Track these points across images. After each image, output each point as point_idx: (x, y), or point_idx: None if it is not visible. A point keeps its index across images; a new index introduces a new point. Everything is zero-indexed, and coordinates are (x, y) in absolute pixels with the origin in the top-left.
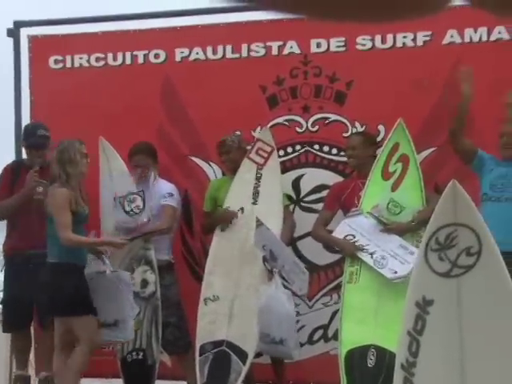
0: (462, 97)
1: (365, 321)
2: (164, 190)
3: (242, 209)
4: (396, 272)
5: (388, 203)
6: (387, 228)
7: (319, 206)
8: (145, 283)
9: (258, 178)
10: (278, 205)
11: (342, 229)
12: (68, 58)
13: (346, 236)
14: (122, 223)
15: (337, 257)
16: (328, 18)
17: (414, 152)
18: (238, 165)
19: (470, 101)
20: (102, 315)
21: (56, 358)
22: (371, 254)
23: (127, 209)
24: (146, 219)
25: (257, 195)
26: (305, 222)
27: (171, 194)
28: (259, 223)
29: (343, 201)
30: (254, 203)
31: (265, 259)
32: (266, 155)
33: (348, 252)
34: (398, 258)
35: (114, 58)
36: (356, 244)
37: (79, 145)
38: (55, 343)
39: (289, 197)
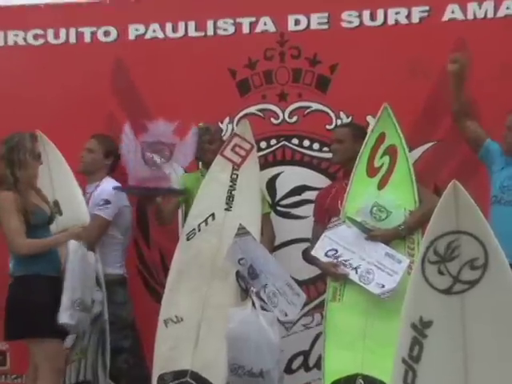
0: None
1: (351, 346)
2: (102, 195)
3: (212, 215)
4: (383, 286)
5: (372, 207)
6: (371, 235)
7: (298, 210)
8: None
9: (234, 180)
10: (256, 213)
11: (323, 243)
12: (0, 34)
13: (328, 251)
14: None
15: (319, 270)
16: None
17: (402, 141)
18: None
19: (463, 76)
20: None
21: None
22: (355, 268)
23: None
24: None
25: (231, 200)
26: (281, 229)
27: (107, 202)
28: (243, 232)
29: (327, 207)
30: (228, 209)
31: (239, 276)
32: (243, 153)
33: (332, 277)
34: (385, 269)
35: (56, 36)
36: (338, 260)
37: (31, 142)
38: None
39: (270, 204)
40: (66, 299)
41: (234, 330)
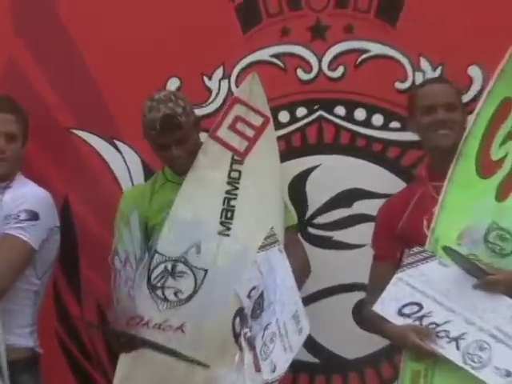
0: None
1: None
2: (23, 203)
3: (197, 245)
4: (510, 373)
5: (488, 231)
6: (486, 281)
7: (346, 234)
8: None
9: (234, 182)
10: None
11: (395, 293)
12: None
13: (404, 307)
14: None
15: (383, 343)
16: None
17: None
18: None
19: None
20: None
21: None
22: (456, 339)
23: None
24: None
25: (229, 217)
26: (316, 267)
27: (33, 217)
28: (271, 241)
29: (401, 230)
30: (224, 233)
31: (240, 315)
32: (251, 134)
33: (413, 353)
34: (510, 343)
35: None
36: (424, 323)
37: None
38: None
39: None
40: None
41: None
